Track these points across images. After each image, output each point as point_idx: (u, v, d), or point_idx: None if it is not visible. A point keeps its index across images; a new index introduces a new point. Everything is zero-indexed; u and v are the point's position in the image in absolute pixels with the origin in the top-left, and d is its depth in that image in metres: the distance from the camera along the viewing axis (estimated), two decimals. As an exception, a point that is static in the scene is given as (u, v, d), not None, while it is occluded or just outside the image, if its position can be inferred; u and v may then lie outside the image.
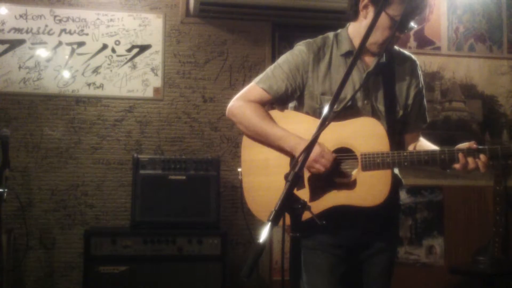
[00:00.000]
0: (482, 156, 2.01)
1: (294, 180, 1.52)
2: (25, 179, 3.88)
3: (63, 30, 3.98)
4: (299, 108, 2.27)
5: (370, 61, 2.21)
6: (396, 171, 2.25)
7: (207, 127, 4.11)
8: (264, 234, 1.43)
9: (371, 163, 2.05)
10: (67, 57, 3.98)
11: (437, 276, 4.27)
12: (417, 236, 4.32)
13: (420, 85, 2.30)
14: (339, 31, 2.28)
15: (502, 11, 4.55)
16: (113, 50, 4.04)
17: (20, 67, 3.92)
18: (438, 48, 4.45)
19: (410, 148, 2.30)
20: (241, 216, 4.00)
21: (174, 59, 4.12)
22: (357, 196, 2.07)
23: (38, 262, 3.85)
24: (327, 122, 1.61)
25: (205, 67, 4.15)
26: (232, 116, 2.25)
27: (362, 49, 1.67)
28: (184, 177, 3.62)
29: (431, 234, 4.33)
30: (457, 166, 2.03)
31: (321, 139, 1.60)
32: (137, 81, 4.05)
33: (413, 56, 2.33)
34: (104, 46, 4.03)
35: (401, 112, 2.23)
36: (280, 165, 2.15)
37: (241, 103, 2.23)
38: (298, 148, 2.07)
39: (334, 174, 2.10)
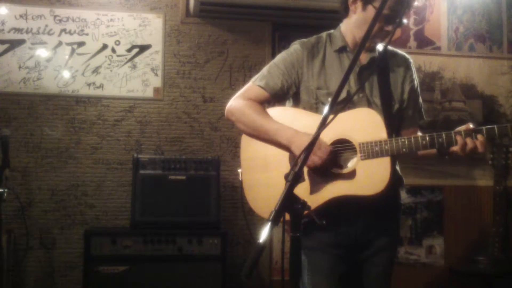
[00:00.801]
0: (479, 136, 2.02)
1: (294, 180, 1.52)
2: (25, 179, 3.88)
3: (63, 30, 3.98)
4: (295, 105, 2.31)
5: (362, 56, 2.25)
6: (397, 169, 2.26)
7: (207, 127, 4.11)
8: (264, 234, 1.43)
9: (370, 151, 2.06)
10: (67, 57, 3.98)
11: (437, 276, 4.27)
12: (417, 236, 4.32)
13: (415, 81, 2.33)
14: (331, 31, 2.34)
15: (502, 11, 4.55)
16: (113, 50, 4.04)
17: (20, 67, 3.92)
18: (438, 48, 4.45)
19: None
20: (241, 216, 4.01)
21: (174, 59, 4.12)
22: (357, 186, 2.07)
23: (38, 262, 3.85)
24: (327, 122, 1.61)
25: (205, 67, 4.15)
26: (230, 115, 2.28)
27: (363, 46, 1.68)
28: (184, 177, 3.62)
29: (431, 234, 4.33)
30: (455, 148, 2.04)
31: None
32: (137, 81, 4.05)
33: (407, 55, 2.38)
34: (104, 46, 4.03)
35: (396, 106, 2.25)
36: (279, 161, 2.16)
37: (239, 102, 2.26)
38: (293, 140, 2.09)
39: (334, 166, 2.11)
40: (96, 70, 4.00)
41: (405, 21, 2.17)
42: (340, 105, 2.08)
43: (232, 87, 4.13)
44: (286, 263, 1.59)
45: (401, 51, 2.38)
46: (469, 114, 4.44)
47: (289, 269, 1.56)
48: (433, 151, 2.18)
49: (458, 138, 2.03)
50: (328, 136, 2.11)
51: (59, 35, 3.98)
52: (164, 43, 4.10)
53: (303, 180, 2.07)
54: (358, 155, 2.08)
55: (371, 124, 2.10)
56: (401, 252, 4.24)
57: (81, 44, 4.00)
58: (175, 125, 4.08)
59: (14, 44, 3.93)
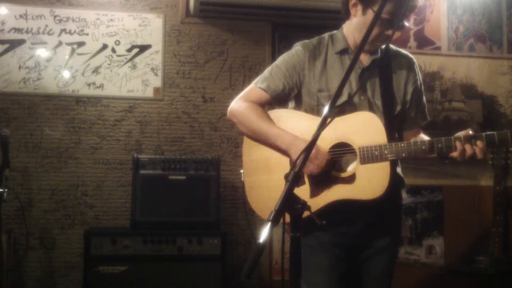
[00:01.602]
0: (479, 142, 2.02)
1: (294, 180, 1.52)
2: (25, 179, 3.88)
3: (63, 30, 3.99)
4: (297, 107, 2.30)
5: (364, 58, 2.25)
6: (399, 170, 2.26)
7: (207, 127, 4.11)
8: (264, 234, 1.43)
9: (370, 156, 2.06)
10: (67, 57, 3.98)
11: (437, 276, 4.26)
12: (417, 236, 4.32)
13: (418, 82, 2.32)
14: (334, 32, 2.33)
15: (502, 11, 4.55)
16: (113, 50, 4.04)
17: (20, 67, 3.92)
18: (438, 48, 4.45)
19: None
20: (241, 216, 4.01)
21: (174, 59, 4.12)
22: (357, 190, 2.07)
23: (38, 262, 3.85)
24: (327, 122, 1.62)
25: (205, 67, 4.15)
26: (232, 117, 2.28)
27: (362, 48, 1.69)
28: (184, 177, 3.62)
29: (431, 234, 4.32)
30: (455, 154, 2.04)
31: (320, 136, 1.62)
32: (137, 81, 4.05)
33: (410, 55, 2.36)
34: (104, 46, 4.03)
35: (399, 108, 2.24)
36: (281, 163, 2.17)
37: (241, 104, 2.26)
38: (292, 146, 2.10)
39: (334, 169, 2.11)
40: (96, 70, 4.00)
41: (406, 24, 2.16)
42: (342, 107, 2.08)
43: (232, 87, 4.13)
44: (286, 263, 1.59)
45: (404, 51, 2.36)
46: (469, 114, 4.44)
47: (289, 269, 1.56)
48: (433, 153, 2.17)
49: (458, 144, 2.03)
50: (329, 139, 2.11)
51: (59, 35, 3.98)
52: (164, 43, 4.10)
53: (303, 183, 2.07)
54: (358, 159, 2.08)
55: (371, 128, 2.09)
56: (401, 252, 4.24)
57: (81, 44, 4.00)
58: (175, 125, 4.08)
59: (14, 44, 3.93)
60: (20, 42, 3.94)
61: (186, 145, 4.08)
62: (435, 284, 4.27)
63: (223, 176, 3.89)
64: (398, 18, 2.08)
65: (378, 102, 2.21)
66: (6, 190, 3.34)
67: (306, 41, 2.30)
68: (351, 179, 2.09)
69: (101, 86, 4.00)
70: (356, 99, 2.19)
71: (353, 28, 2.23)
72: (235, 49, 4.19)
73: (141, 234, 3.46)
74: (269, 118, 2.22)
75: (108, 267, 3.39)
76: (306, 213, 1.56)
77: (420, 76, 2.35)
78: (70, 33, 3.99)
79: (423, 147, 2.06)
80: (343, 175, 2.10)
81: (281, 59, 2.29)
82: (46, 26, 3.97)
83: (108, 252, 3.40)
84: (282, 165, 2.15)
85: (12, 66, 3.91)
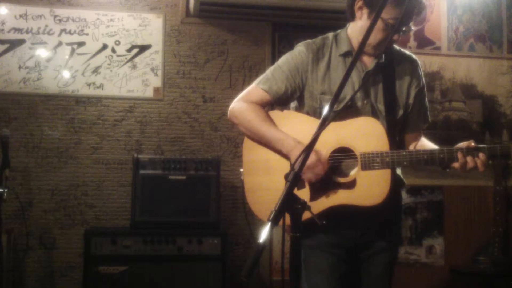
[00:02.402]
0: (481, 155, 2.01)
1: (294, 180, 1.52)
2: (25, 179, 3.88)
3: (63, 30, 3.98)
4: (299, 108, 2.29)
5: (368, 61, 2.23)
6: (398, 171, 2.25)
7: (207, 127, 4.11)
8: (264, 234, 1.43)
9: (371, 162, 2.06)
10: (67, 57, 3.98)
11: (437, 276, 4.27)
12: (417, 236, 4.32)
13: (421, 85, 2.31)
14: (339, 31, 2.29)
15: (502, 11, 4.55)
16: (113, 50, 4.04)
17: (20, 67, 3.92)
18: (438, 48, 4.45)
19: (411, 147, 2.30)
20: (241, 216, 4.01)
21: (174, 59, 4.12)
22: (356, 196, 2.07)
23: (38, 262, 3.85)
24: (327, 123, 1.61)
25: (205, 67, 4.15)
26: (233, 117, 2.26)
27: (361, 52, 1.68)
28: (184, 177, 3.62)
29: (431, 234, 4.32)
30: (456, 165, 2.04)
31: (321, 139, 1.61)
32: (137, 81, 4.05)
33: (414, 56, 2.34)
34: (104, 46, 4.03)
35: (401, 112, 2.23)
36: (281, 165, 2.16)
37: (242, 105, 2.24)
38: (294, 151, 2.09)
39: (334, 174, 2.11)
40: (96, 70, 4.00)
41: (413, 28, 2.15)
42: (344, 111, 2.08)
43: (232, 87, 4.13)
44: (286, 263, 1.59)
45: (408, 52, 2.35)
46: (469, 114, 4.44)
47: (289, 269, 1.56)
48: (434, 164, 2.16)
49: (459, 156, 2.02)
50: (330, 143, 2.10)
51: (59, 35, 3.98)
52: (164, 43, 4.10)
53: (303, 186, 2.07)
54: (359, 165, 2.08)
55: (374, 134, 2.09)
56: (401, 252, 4.24)
57: (81, 44, 4.00)
58: (175, 125, 4.08)
59: (14, 44, 3.93)
60: (20, 42, 3.93)
61: (186, 145, 4.08)
62: (435, 284, 4.27)
63: (223, 176, 3.89)
64: (403, 24, 2.07)
65: (381, 106, 2.19)
66: (6, 190, 3.35)
67: (309, 41, 2.26)
68: (351, 184, 2.09)
69: (101, 86, 4.00)
70: (359, 103, 2.18)
71: (357, 30, 2.20)
72: (235, 49, 4.19)
73: (141, 234, 3.46)
74: (270, 120, 2.21)
75: (108, 267, 3.39)
76: (306, 214, 1.56)
77: (423, 78, 2.33)
78: (70, 33, 3.99)
79: (425, 157, 2.05)
80: (344, 180, 2.10)
81: (283, 60, 2.27)
82: (46, 26, 3.97)
83: (108, 252, 3.40)
84: (281, 167, 2.15)
85: (12, 66, 3.91)
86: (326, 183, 2.09)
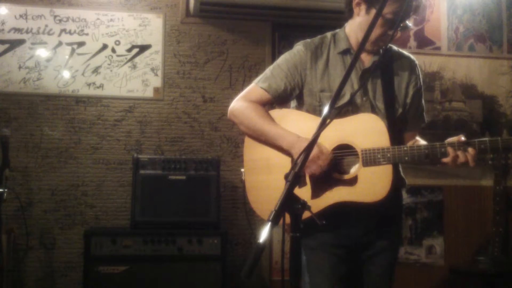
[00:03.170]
0: (470, 150, 2.01)
1: (294, 180, 1.52)
2: (25, 179, 3.88)
3: (63, 30, 3.98)
4: (299, 107, 2.29)
5: (366, 59, 2.24)
6: (400, 169, 2.25)
7: (207, 127, 4.11)
8: (264, 234, 1.43)
9: (372, 158, 2.06)
10: (67, 57, 3.98)
11: (437, 276, 4.26)
12: (417, 236, 4.32)
13: (419, 85, 2.31)
14: (337, 30, 2.31)
15: (502, 11, 4.55)
16: (113, 50, 4.04)
17: (20, 67, 3.92)
18: (438, 48, 4.45)
19: (409, 145, 2.30)
20: (241, 216, 4.01)
21: (174, 59, 4.12)
22: (358, 192, 2.07)
23: (38, 262, 3.85)
24: (328, 121, 1.61)
25: (205, 67, 4.15)
26: (233, 117, 2.27)
27: (363, 47, 1.68)
28: (184, 177, 3.62)
29: (431, 234, 4.32)
30: (446, 160, 2.04)
31: (322, 137, 1.61)
32: (137, 81, 4.05)
33: (412, 56, 2.35)
34: (104, 46, 4.03)
35: (400, 110, 2.24)
36: (282, 163, 2.16)
37: (242, 104, 2.25)
38: (295, 146, 2.09)
39: (336, 171, 2.11)
40: (96, 70, 4.00)
41: (410, 24, 2.16)
42: (343, 108, 2.08)
43: (232, 87, 4.13)
44: (286, 263, 1.59)
45: (406, 52, 2.35)
46: (469, 114, 4.44)
47: (289, 269, 1.56)
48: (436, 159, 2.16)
49: (450, 150, 2.02)
50: (331, 140, 2.10)
51: (59, 35, 3.98)
52: (164, 43, 4.10)
53: (305, 184, 2.07)
54: (360, 161, 2.08)
55: (374, 130, 2.09)
56: (401, 252, 4.24)
57: (81, 44, 4.00)
58: (175, 125, 4.08)
59: (14, 44, 3.93)
60: (20, 42, 3.93)
61: (186, 145, 4.08)
62: (435, 284, 4.27)
63: (223, 176, 3.89)
64: (401, 19, 2.07)
65: (380, 104, 2.20)
66: (6, 190, 3.35)
67: (308, 40, 2.28)
68: (353, 181, 2.09)
69: (101, 86, 4.00)
70: (358, 100, 2.18)
71: (356, 27, 2.22)
72: (235, 49, 4.19)
73: (141, 234, 3.46)
74: (270, 118, 2.21)
75: (108, 267, 3.39)
76: (306, 214, 1.56)
77: (421, 79, 2.34)
78: (70, 33, 3.99)
79: (426, 151, 2.05)
80: (345, 177, 2.10)
81: (282, 59, 2.28)
82: (46, 26, 3.97)
83: (108, 252, 3.40)
84: (282, 165, 2.15)
85: (12, 66, 3.91)
86: (327, 180, 2.09)
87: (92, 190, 3.95)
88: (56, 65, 3.96)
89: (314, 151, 2.03)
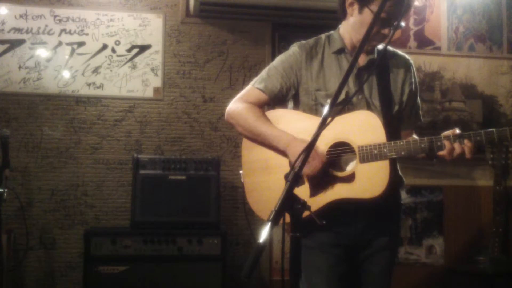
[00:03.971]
0: (466, 141, 2.02)
1: (294, 180, 1.52)
2: (25, 179, 3.88)
3: (63, 30, 3.99)
4: (295, 107, 2.31)
5: (361, 58, 2.24)
6: (398, 168, 2.26)
7: (207, 127, 4.11)
8: (264, 234, 1.43)
9: (369, 155, 2.07)
10: (67, 57, 3.98)
11: (437, 276, 4.27)
12: (417, 236, 4.32)
13: (415, 83, 2.34)
14: (331, 32, 2.34)
15: (502, 11, 4.55)
16: (113, 50, 4.04)
17: (20, 67, 3.92)
18: (438, 48, 4.45)
19: None
20: (241, 216, 4.01)
21: (174, 59, 4.12)
22: (356, 189, 2.08)
23: (38, 262, 3.85)
24: (327, 122, 1.62)
25: (205, 67, 4.15)
26: (230, 118, 2.29)
27: (363, 47, 1.69)
28: (184, 177, 3.62)
29: (431, 234, 4.33)
30: (443, 152, 2.05)
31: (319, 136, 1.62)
32: (137, 81, 4.05)
33: (407, 56, 2.37)
34: (104, 46, 4.03)
35: (396, 107, 2.25)
36: (280, 164, 2.16)
37: (238, 105, 2.27)
38: (291, 147, 2.10)
39: (333, 169, 2.11)
40: (96, 70, 4.00)
41: (403, 24, 2.17)
42: (339, 106, 2.08)
43: (232, 87, 4.13)
44: (286, 263, 1.59)
45: (401, 52, 2.38)
46: (469, 114, 4.44)
47: (289, 269, 1.56)
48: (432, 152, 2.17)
49: (447, 143, 2.03)
50: (328, 138, 2.11)
51: (59, 35, 3.98)
52: (164, 43, 4.10)
53: (303, 183, 2.07)
54: (357, 158, 2.08)
55: (370, 127, 2.10)
56: (401, 252, 4.24)
57: (81, 44, 4.00)
58: (175, 125, 4.08)
59: (14, 44, 3.93)
60: (20, 42, 3.94)
61: (186, 145, 4.08)
62: (435, 284, 4.27)
63: (223, 176, 3.89)
64: (395, 17, 2.08)
65: (376, 102, 2.21)
66: (6, 190, 3.35)
67: (303, 41, 2.30)
68: (350, 178, 2.09)
69: (101, 86, 4.00)
70: (353, 98, 2.19)
71: (349, 27, 2.23)
72: (235, 49, 4.19)
73: (141, 234, 3.46)
74: (267, 119, 2.23)
75: (108, 267, 3.39)
76: (306, 213, 1.56)
77: (416, 78, 2.35)
78: (70, 33, 3.99)
79: (422, 145, 2.06)
80: (343, 174, 2.10)
81: (278, 60, 2.30)
82: (46, 26, 3.97)
83: (108, 252, 3.40)
84: (281, 166, 2.15)
85: (12, 66, 3.91)
86: (325, 178, 2.10)
87: (92, 190, 3.95)
88: (56, 65, 3.96)
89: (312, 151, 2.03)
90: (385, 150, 2.06)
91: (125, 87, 4.03)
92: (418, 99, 2.38)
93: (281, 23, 4.20)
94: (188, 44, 4.14)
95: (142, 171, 3.61)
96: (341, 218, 2.12)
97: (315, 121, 2.08)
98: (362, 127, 2.10)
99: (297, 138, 2.12)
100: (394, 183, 2.15)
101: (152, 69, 4.07)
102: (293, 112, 2.29)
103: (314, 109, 2.22)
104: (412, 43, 4.41)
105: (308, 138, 1.64)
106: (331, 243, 2.16)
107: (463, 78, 4.46)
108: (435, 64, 4.43)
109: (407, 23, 4.34)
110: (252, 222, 3.72)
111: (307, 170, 2.06)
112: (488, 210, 4.16)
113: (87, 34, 4.01)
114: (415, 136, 2.35)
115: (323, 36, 2.32)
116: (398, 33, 4.24)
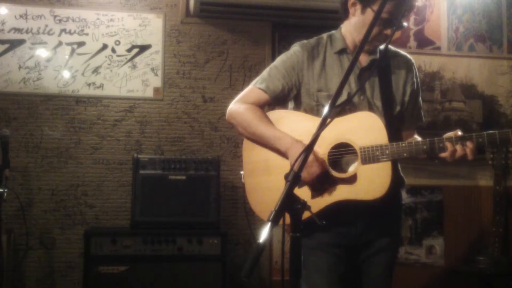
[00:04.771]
0: (468, 143, 2.03)
1: (294, 180, 1.52)
2: (25, 179, 3.88)
3: (63, 30, 3.98)
4: (297, 107, 2.30)
5: (363, 58, 2.25)
6: (399, 168, 2.26)
7: (207, 127, 4.11)
8: (264, 234, 1.43)
9: (371, 156, 2.06)
10: (67, 57, 3.98)
11: (437, 276, 4.26)
12: (417, 236, 4.32)
13: (416, 83, 2.33)
14: (333, 32, 2.33)
15: (502, 11, 4.55)
16: (113, 50, 4.04)
17: (20, 67, 3.92)
18: (438, 48, 4.45)
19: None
20: (241, 216, 4.01)
21: (174, 59, 4.12)
22: (358, 190, 2.07)
23: (38, 262, 3.84)
24: (327, 122, 1.61)
25: (205, 67, 4.15)
26: (231, 118, 2.28)
27: (363, 46, 1.69)
28: (184, 177, 3.62)
29: (431, 234, 4.32)
30: (445, 154, 2.04)
31: (320, 137, 1.61)
32: (137, 81, 4.05)
33: (408, 56, 2.37)
34: (104, 46, 4.03)
35: (398, 108, 2.25)
36: (281, 165, 2.16)
37: (239, 106, 2.26)
38: (291, 149, 2.10)
39: (335, 170, 2.11)
40: (96, 70, 4.00)
41: (405, 24, 2.17)
42: (341, 107, 2.08)
43: (232, 87, 4.13)
44: (286, 263, 1.59)
45: (403, 52, 2.37)
46: (469, 114, 4.44)
47: (289, 269, 1.56)
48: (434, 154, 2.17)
49: (449, 144, 2.03)
50: (329, 139, 2.11)
51: (59, 35, 3.98)
52: (164, 43, 4.10)
53: (304, 184, 2.07)
54: (359, 159, 2.08)
55: (372, 128, 2.09)
56: (401, 252, 4.24)
57: (81, 44, 4.00)
58: (175, 125, 4.08)
59: (14, 44, 3.93)
60: (20, 42, 3.93)
61: (186, 145, 4.08)
62: (435, 284, 4.27)
63: (223, 176, 3.89)
64: (397, 18, 2.08)
65: (378, 102, 2.21)
66: (6, 190, 3.35)
67: (305, 41, 2.30)
68: (352, 179, 2.09)
69: (101, 86, 4.00)
70: (355, 99, 2.19)
71: (351, 27, 2.23)
72: (235, 49, 4.19)
73: (141, 234, 3.46)
74: (268, 120, 2.22)
75: (108, 267, 3.39)
76: (306, 214, 1.56)
77: (418, 78, 2.35)
78: (70, 33, 3.99)
79: (424, 147, 2.06)
80: (344, 175, 2.10)
81: (279, 60, 2.29)
82: (46, 26, 3.97)
83: (108, 252, 3.41)
84: (281, 167, 2.15)
85: (12, 66, 3.91)
86: (326, 179, 2.10)
87: (92, 190, 3.95)
88: (56, 65, 3.96)
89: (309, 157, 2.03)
90: (387, 152, 2.06)
91: (125, 87, 4.03)
92: (420, 99, 2.37)
93: (281, 23, 4.20)
94: (188, 44, 4.14)
95: (142, 171, 3.61)
96: (342, 218, 2.12)
97: (317, 122, 2.08)
98: (364, 128, 2.10)
99: (298, 141, 2.11)
100: (396, 184, 2.15)
101: (152, 69, 4.07)
102: (295, 113, 2.28)
103: (315, 110, 2.21)
104: (412, 43, 4.41)
105: (310, 140, 1.64)
106: (332, 243, 2.16)
107: (463, 78, 4.46)
108: (435, 64, 4.43)
109: (407, 23, 4.34)
110: (252, 222, 3.70)
111: (306, 175, 2.05)
112: (488, 210, 4.16)
113: (87, 34, 4.01)
114: (416, 137, 2.35)
115: (324, 35, 2.31)
116: (398, 33, 4.24)
